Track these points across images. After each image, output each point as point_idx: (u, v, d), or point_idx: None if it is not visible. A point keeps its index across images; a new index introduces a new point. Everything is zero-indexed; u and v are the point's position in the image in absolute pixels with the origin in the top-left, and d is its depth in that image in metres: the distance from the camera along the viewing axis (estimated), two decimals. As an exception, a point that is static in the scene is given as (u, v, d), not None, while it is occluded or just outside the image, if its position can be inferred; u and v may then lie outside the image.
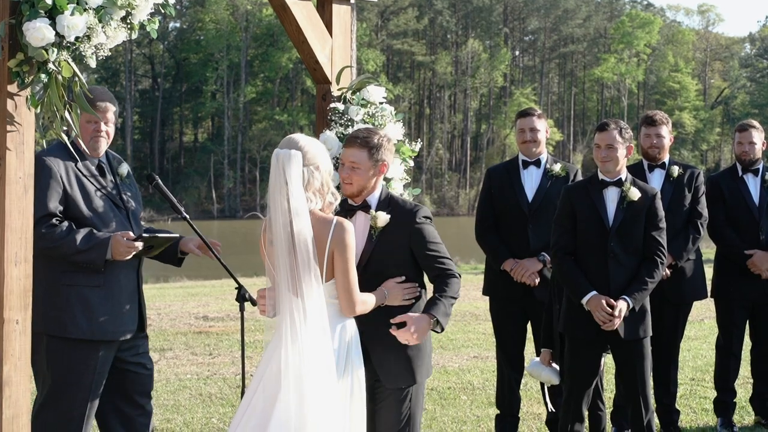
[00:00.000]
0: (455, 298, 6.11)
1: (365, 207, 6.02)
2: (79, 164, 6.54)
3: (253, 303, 6.48)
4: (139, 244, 6.35)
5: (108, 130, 6.63)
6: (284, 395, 5.52)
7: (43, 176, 6.30)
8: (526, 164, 8.54)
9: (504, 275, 8.45)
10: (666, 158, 8.78)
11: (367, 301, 5.80)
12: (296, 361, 5.56)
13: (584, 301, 7.24)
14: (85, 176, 6.53)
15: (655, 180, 8.66)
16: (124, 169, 6.78)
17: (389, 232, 5.95)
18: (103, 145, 6.62)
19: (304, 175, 5.57)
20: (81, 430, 6.54)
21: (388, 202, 6.04)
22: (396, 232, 5.95)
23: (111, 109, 6.63)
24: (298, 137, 5.73)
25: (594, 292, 7.23)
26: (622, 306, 7.19)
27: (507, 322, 8.58)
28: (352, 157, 5.93)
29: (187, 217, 6.49)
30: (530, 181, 8.51)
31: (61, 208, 6.40)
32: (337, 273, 5.66)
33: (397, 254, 5.97)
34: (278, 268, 5.62)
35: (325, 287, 5.66)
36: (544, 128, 8.57)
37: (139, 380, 6.79)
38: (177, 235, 6.51)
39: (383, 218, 5.94)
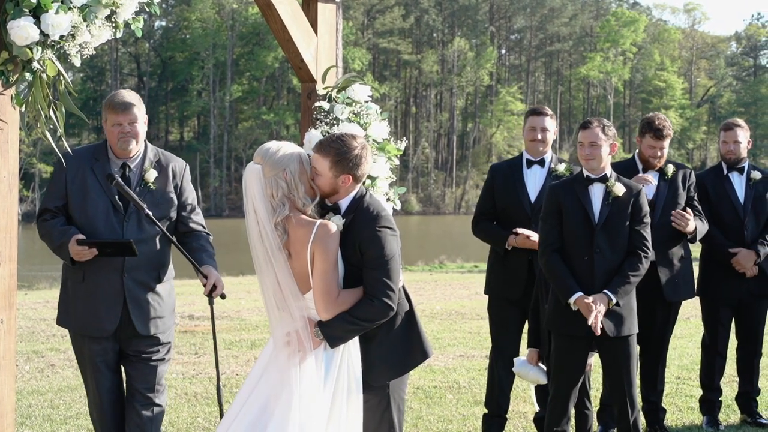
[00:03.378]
0: (362, 321, 5.75)
1: (335, 210, 5.96)
2: (97, 165, 6.65)
3: (223, 297, 6.70)
4: (83, 248, 6.44)
5: (133, 130, 6.62)
6: (283, 411, 5.58)
7: (54, 173, 6.72)
8: (530, 163, 8.49)
9: (504, 276, 8.44)
10: (662, 161, 8.78)
11: (347, 302, 5.73)
12: (295, 375, 5.66)
13: (571, 301, 7.24)
14: (96, 176, 6.64)
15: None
16: (151, 175, 6.75)
17: (347, 236, 5.83)
18: (131, 144, 6.65)
19: (266, 187, 5.69)
20: (106, 416, 6.85)
21: (355, 206, 5.91)
22: (352, 235, 5.82)
23: (132, 109, 6.60)
24: (266, 146, 5.84)
25: (580, 293, 7.23)
26: (601, 307, 7.18)
27: (505, 322, 8.52)
28: (314, 163, 5.83)
29: (150, 213, 6.49)
30: (534, 180, 8.44)
31: (59, 204, 6.67)
32: (316, 275, 5.64)
33: (353, 258, 5.85)
34: (261, 277, 5.79)
35: (309, 296, 5.71)
36: (553, 129, 8.51)
37: (138, 385, 6.82)
38: (128, 240, 6.50)
39: (337, 223, 5.85)
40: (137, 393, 6.80)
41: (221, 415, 6.92)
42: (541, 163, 8.47)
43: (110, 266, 6.58)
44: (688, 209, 8.59)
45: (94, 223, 6.59)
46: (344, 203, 5.90)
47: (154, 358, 6.80)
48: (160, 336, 6.79)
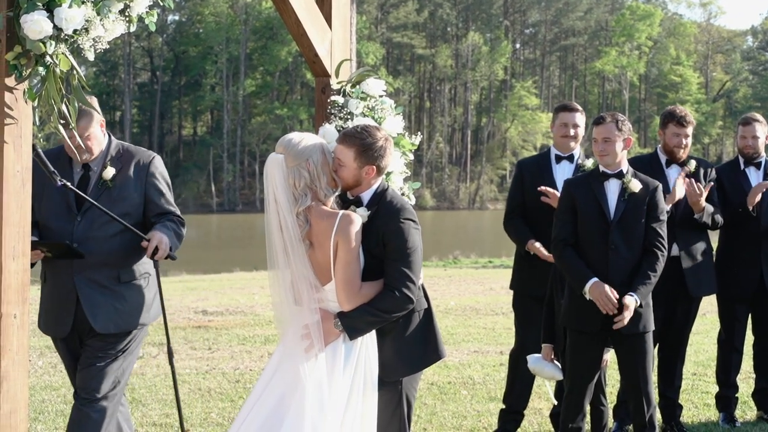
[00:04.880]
0: (382, 313, 5.73)
1: (357, 203, 5.95)
2: (57, 165, 6.60)
3: (173, 258, 6.63)
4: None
5: (83, 143, 6.60)
6: (298, 405, 5.56)
7: None
8: (558, 159, 8.50)
9: (530, 272, 8.40)
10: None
11: (368, 295, 5.73)
12: (308, 373, 5.65)
13: (586, 288, 7.18)
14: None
15: (673, 174, 8.63)
16: (108, 173, 6.73)
17: (370, 228, 5.82)
18: (84, 156, 6.69)
19: (289, 177, 5.69)
20: None
21: (378, 199, 5.92)
22: (375, 227, 5.81)
23: (78, 125, 6.48)
24: (288, 137, 5.85)
25: (595, 279, 7.17)
26: (630, 302, 7.12)
27: (531, 319, 8.47)
28: (338, 154, 5.85)
29: (68, 183, 6.48)
30: (563, 175, 8.40)
31: None
32: (338, 266, 5.63)
33: (375, 250, 5.82)
34: (275, 270, 5.78)
35: (329, 287, 5.68)
36: (583, 124, 8.52)
37: (80, 382, 6.76)
38: (63, 242, 6.50)
39: (362, 215, 5.83)
40: (79, 389, 6.74)
41: (174, 383, 6.97)
42: (570, 158, 8.47)
43: (64, 267, 6.61)
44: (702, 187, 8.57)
45: (48, 223, 6.66)
46: (366, 196, 5.90)
47: (100, 354, 6.66)
48: (116, 335, 6.68)
